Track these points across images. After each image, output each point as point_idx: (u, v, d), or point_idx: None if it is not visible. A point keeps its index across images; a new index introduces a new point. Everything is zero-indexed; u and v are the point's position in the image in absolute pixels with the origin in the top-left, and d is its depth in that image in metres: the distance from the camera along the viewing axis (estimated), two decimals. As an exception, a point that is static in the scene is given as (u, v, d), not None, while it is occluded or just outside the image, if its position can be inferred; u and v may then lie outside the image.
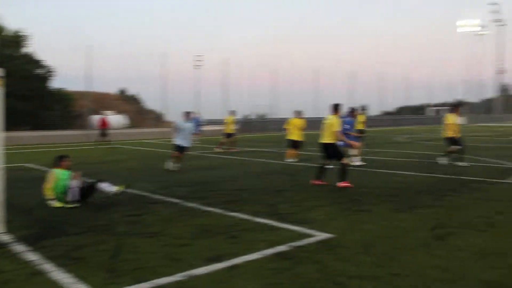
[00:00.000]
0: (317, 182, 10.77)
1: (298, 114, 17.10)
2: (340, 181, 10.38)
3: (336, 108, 10.90)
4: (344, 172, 10.44)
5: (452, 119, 14.80)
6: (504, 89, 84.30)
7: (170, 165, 13.77)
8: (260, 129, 43.62)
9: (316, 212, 7.90)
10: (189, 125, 14.36)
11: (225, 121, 22.76)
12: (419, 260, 5.24)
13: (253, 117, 56.48)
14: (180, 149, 13.87)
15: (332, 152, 10.65)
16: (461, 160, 14.56)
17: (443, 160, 14.90)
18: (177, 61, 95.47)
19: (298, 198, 9.22)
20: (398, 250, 5.65)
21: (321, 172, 10.86)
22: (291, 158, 16.13)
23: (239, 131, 25.61)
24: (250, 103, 68.84)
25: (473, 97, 79.08)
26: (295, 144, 16.40)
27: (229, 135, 22.06)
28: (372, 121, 58.71)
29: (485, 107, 79.94)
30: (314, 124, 18.99)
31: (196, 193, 9.95)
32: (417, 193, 9.65)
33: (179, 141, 13.89)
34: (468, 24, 70.92)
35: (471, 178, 11.70)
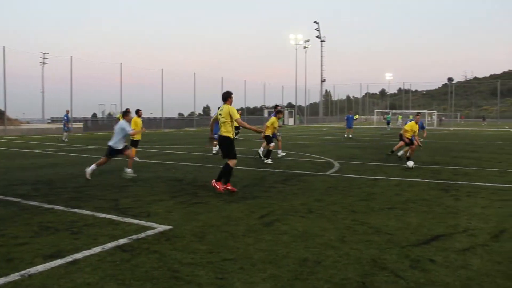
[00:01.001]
0: (222, 187, 9.54)
1: (138, 113, 16.95)
2: (218, 180, 9.51)
3: (227, 96, 9.65)
4: (227, 173, 9.44)
5: (272, 121, 16.35)
6: (325, 94, 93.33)
7: None
8: (108, 127, 43.11)
9: (156, 206, 8.07)
10: None
11: None
12: (248, 245, 5.73)
13: (100, 115, 54.49)
14: None
15: (225, 147, 9.47)
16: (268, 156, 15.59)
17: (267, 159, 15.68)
18: (21, 58, 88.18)
19: (140, 193, 9.29)
20: (229, 237, 6.09)
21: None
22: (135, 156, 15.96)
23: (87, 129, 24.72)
24: (98, 102, 66.09)
25: (301, 101, 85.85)
26: (135, 143, 16.24)
27: None
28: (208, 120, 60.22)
29: (311, 110, 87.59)
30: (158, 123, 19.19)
31: (38, 191, 9.55)
32: (249, 185, 10.36)
33: None
34: (297, 38, 77.01)
35: (297, 171, 12.91)
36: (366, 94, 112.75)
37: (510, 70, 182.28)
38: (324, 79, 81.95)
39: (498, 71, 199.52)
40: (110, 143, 11.42)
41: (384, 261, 5.12)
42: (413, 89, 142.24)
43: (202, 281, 4.47)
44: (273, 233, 6.32)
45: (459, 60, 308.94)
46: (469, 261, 5.15)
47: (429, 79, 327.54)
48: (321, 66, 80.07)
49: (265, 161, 15.23)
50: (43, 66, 66.96)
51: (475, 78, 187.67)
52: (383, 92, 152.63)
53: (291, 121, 71.48)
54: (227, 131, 9.38)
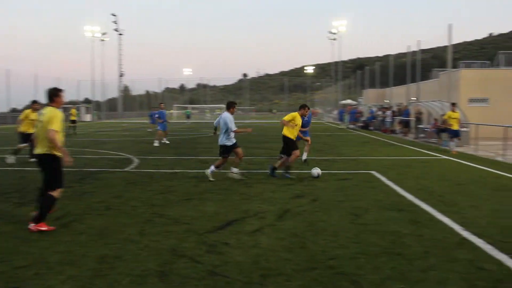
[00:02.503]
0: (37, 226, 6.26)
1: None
2: (38, 222, 6.28)
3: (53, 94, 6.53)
4: (48, 205, 6.40)
5: (27, 114, 13.83)
6: (124, 89, 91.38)
7: None
8: None
9: None
10: None
11: None
12: (44, 249, 5.43)
13: None
14: None
15: (48, 168, 6.44)
16: (15, 153, 14.11)
17: (11, 159, 14.02)
18: None
19: None
20: (22, 243, 5.69)
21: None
22: None
23: None
24: None
25: (99, 96, 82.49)
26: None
27: None
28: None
29: (109, 106, 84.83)
30: None
31: None
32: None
33: None
34: (93, 30, 73.71)
35: (94, 169, 12.47)
36: (165, 89, 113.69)
37: (295, 68, 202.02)
38: (123, 74, 79.95)
39: (286, 68, 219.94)
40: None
41: (183, 249, 5.37)
42: (211, 84, 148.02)
43: (-10, 292, 4.12)
44: (70, 233, 6.11)
45: (253, 58, 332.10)
46: (258, 240, 5.72)
47: (226, 75, 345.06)
48: (119, 60, 77.94)
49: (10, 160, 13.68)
50: None
51: (267, 75, 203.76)
52: (182, 87, 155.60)
53: (88, 117, 68.26)
54: (46, 146, 6.36)
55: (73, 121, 30.56)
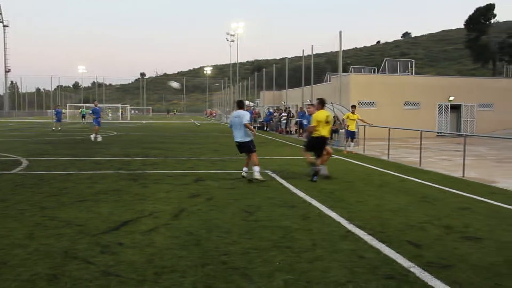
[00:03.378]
0: None
1: None
2: None
3: None
4: None
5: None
6: (11, 86, 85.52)
7: None
8: None
9: None
10: None
11: None
12: None
13: None
14: None
15: None
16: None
17: None
18: None
19: None
20: None
21: None
22: None
23: None
24: None
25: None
26: None
27: None
28: None
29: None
30: None
31: None
32: None
33: None
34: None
35: (-22, 172, 11.66)
36: (58, 87, 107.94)
37: (194, 69, 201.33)
38: (9, 69, 74.79)
39: (185, 69, 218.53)
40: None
41: (76, 251, 5.28)
42: (107, 83, 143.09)
43: None
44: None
45: (151, 57, 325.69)
46: (153, 240, 5.77)
47: (123, 74, 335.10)
48: (5, 54, 72.79)
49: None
50: None
51: (165, 74, 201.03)
52: (76, 85, 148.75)
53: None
54: None
55: None
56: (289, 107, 36.17)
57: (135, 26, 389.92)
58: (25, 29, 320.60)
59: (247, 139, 10.62)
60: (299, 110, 31.10)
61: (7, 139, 24.04)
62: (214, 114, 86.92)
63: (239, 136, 10.67)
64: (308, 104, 12.08)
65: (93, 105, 26.97)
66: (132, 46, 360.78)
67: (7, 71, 73.63)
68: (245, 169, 10.87)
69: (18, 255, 5.16)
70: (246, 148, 10.72)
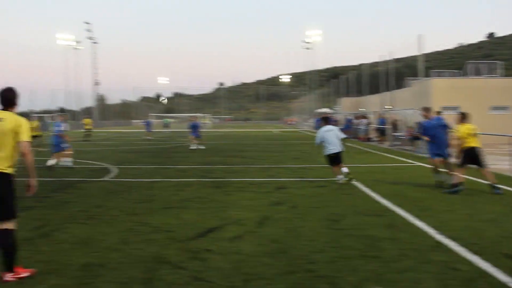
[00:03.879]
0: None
1: None
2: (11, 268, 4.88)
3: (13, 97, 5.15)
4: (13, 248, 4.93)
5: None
6: (100, 98, 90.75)
7: None
8: None
9: None
10: None
11: None
12: (25, 259, 5.41)
13: None
14: None
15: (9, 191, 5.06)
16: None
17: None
18: None
19: None
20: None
21: None
22: None
23: None
24: None
25: (73, 105, 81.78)
26: None
27: None
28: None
29: (84, 115, 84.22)
30: None
31: None
32: (18, 196, 9.61)
33: None
34: (66, 38, 73.20)
35: (73, 179, 12.45)
36: (141, 98, 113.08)
37: (272, 77, 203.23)
38: (98, 82, 79.46)
39: (263, 77, 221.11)
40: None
41: (166, 256, 5.47)
42: (187, 93, 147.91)
43: (-25, 302, 4.16)
44: (52, 243, 6.13)
45: (229, 67, 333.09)
46: (240, 247, 5.85)
47: (202, 84, 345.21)
48: (94, 68, 77.50)
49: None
50: None
51: (243, 84, 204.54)
52: (158, 96, 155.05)
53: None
54: (8, 163, 4.99)
55: (88, 130, 34.50)
56: (367, 114, 35.46)
57: (213, 37, 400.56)
58: (111, 45, 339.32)
59: (342, 150, 11.56)
60: (378, 117, 30.41)
61: (99, 148, 25.46)
62: (292, 122, 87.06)
63: (337, 148, 11.41)
64: (424, 108, 11.54)
65: (192, 120, 27.08)
66: (211, 57, 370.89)
67: (96, 84, 78.23)
68: (339, 176, 11.36)
69: (114, 258, 5.43)
70: (339, 158, 11.50)
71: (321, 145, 11.61)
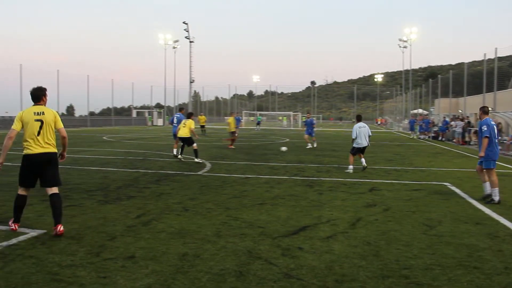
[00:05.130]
0: (15, 226, 6.44)
1: None
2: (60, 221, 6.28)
3: (42, 94, 6.49)
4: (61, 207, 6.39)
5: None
6: (195, 95, 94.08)
7: None
8: None
9: (26, 210, 7.63)
10: None
11: None
12: (128, 244, 5.82)
13: None
14: None
15: (49, 169, 6.41)
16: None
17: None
18: None
19: (5, 198, 8.69)
20: (108, 237, 6.10)
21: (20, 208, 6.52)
22: None
23: None
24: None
25: (170, 102, 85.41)
26: None
27: None
28: (80, 121, 57.28)
29: (201, 112, 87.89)
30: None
31: None
32: (122, 187, 10.27)
33: None
34: (166, 38, 76.61)
35: (170, 172, 13.04)
36: (234, 95, 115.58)
37: (364, 76, 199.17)
38: (193, 80, 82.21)
39: (355, 76, 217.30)
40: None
41: (259, 252, 5.56)
42: (279, 92, 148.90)
43: (85, 281, 4.49)
44: (151, 231, 6.46)
45: (321, 65, 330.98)
46: (332, 247, 5.80)
47: (293, 82, 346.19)
48: (190, 66, 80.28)
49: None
50: None
51: (335, 82, 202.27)
52: (250, 93, 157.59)
53: (160, 122, 70.71)
54: (54, 145, 6.50)
55: (202, 126, 38.43)
56: (467, 116, 33.62)
57: (306, 36, 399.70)
58: (205, 43, 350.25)
59: (368, 145, 14.22)
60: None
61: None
62: (383, 122, 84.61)
63: (365, 143, 14.04)
64: None
65: (306, 116, 27.48)
66: (303, 56, 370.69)
67: (191, 81, 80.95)
68: (351, 167, 13.85)
69: (208, 250, 5.61)
70: (363, 151, 14.22)
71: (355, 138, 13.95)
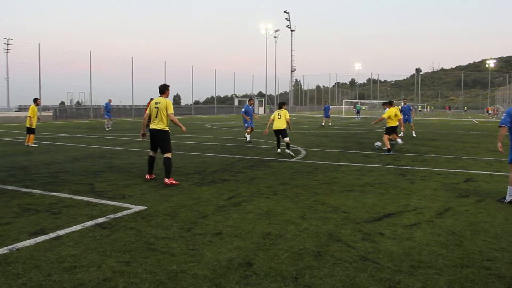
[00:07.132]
0: (148, 176, 9.68)
1: (35, 101, 17.90)
2: (169, 176, 9.23)
3: (165, 89, 9.50)
4: (170, 163, 9.30)
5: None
6: (295, 84, 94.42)
7: None
8: (77, 116, 43.82)
9: (130, 189, 8.53)
10: None
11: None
12: (217, 222, 6.26)
13: (68, 104, 54.55)
14: None
15: (164, 141, 9.33)
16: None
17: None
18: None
19: (114, 178, 9.74)
20: (200, 216, 6.60)
21: (150, 164, 9.71)
22: (30, 143, 16.95)
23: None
24: (65, 90, 65.07)
25: (272, 91, 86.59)
26: (31, 130, 17.18)
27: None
28: (185, 109, 60.20)
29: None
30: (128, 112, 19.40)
31: (14, 176, 9.94)
32: (218, 171, 10.87)
33: None
34: (267, 27, 77.65)
35: (265, 158, 13.49)
36: (335, 84, 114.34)
37: (474, 62, 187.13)
38: (294, 69, 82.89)
39: (464, 63, 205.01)
40: None
41: (339, 235, 5.72)
42: (382, 80, 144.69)
43: (175, 252, 4.97)
44: (240, 212, 6.86)
45: (427, 52, 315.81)
46: (413, 234, 5.80)
47: (397, 69, 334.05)
48: (291, 55, 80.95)
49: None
50: (7, 52, 66.40)
51: (442, 69, 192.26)
52: (352, 82, 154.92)
53: (261, 110, 72.14)
54: (165, 125, 9.30)
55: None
56: None
57: (410, 20, 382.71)
58: (306, 31, 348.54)
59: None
60: None
61: (291, 131, 26.76)
62: (494, 111, 79.02)
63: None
64: None
65: (403, 103, 27.52)
66: (407, 40, 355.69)
67: (292, 70, 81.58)
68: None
69: (291, 231, 5.88)
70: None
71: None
